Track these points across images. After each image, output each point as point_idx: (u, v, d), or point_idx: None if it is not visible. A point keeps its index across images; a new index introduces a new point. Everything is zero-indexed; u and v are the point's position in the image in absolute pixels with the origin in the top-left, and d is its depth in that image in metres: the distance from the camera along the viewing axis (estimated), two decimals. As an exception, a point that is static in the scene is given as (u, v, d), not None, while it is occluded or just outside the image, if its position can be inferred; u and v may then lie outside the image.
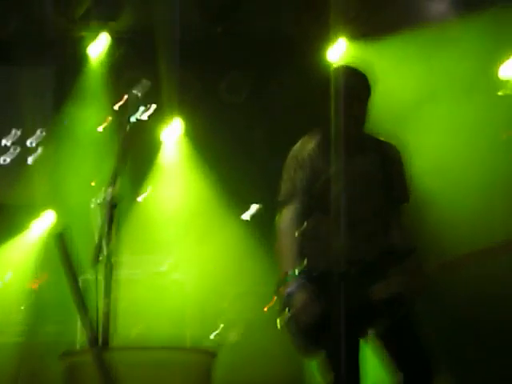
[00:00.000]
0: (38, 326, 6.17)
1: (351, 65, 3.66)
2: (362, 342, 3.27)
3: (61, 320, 6.10)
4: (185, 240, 6.53)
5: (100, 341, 2.67)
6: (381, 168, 3.42)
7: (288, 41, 6.87)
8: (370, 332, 3.27)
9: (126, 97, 2.93)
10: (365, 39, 6.49)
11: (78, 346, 5.55)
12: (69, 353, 2.92)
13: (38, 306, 6.35)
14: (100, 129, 7.01)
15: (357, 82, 3.40)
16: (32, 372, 5.85)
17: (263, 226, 5.50)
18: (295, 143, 3.49)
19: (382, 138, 3.52)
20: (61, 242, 2.43)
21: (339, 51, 6.70)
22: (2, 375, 5.80)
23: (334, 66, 3.92)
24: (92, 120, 7.25)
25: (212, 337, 6.07)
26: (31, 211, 7.13)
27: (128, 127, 2.94)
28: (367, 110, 3.40)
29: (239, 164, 6.82)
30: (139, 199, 6.92)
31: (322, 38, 6.59)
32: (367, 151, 3.44)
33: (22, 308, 6.35)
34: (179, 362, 2.30)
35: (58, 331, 6.11)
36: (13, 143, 7.53)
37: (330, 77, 3.36)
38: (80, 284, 2.40)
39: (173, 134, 7.35)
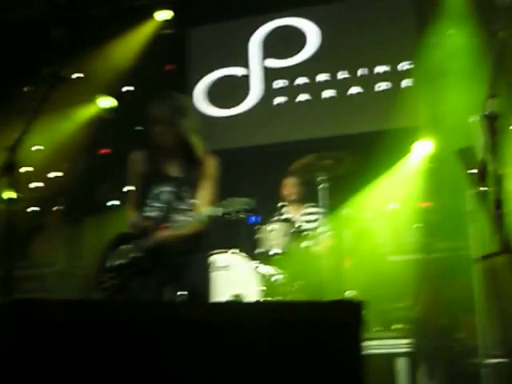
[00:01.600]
0: (432, 243, 6.36)
1: None
2: None
3: (452, 236, 6.22)
4: None
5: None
6: None
7: None
8: None
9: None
10: None
11: (472, 261, 5.62)
12: (487, 255, 3.04)
13: (430, 224, 6.56)
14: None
15: None
16: (431, 288, 6.07)
17: None
18: None
19: None
20: (463, 156, 2.55)
21: None
22: (404, 291, 6.11)
23: None
24: (459, 36, 7.13)
25: None
26: (411, 134, 7.34)
27: (501, 37, 2.89)
28: None
29: None
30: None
31: None
32: None
33: (416, 226, 6.62)
34: None
35: (451, 247, 6.24)
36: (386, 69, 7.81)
37: None
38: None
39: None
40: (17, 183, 3.52)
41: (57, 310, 2.00)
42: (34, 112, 3.68)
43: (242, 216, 3.79)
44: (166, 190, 4.10)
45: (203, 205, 4.05)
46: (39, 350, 1.93)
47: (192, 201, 4.08)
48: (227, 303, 4.12)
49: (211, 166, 4.18)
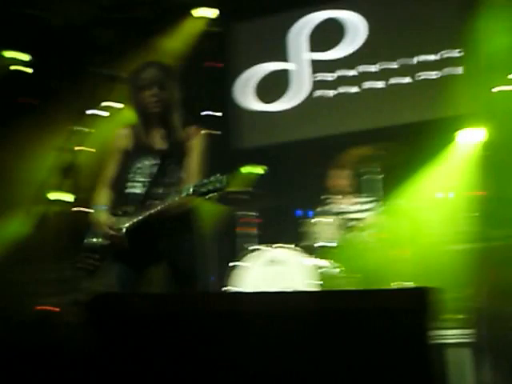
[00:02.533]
0: (489, 231, 6.27)
1: None
2: None
3: (510, 224, 6.14)
4: None
5: None
6: None
7: None
8: None
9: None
10: None
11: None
12: None
13: (486, 212, 6.47)
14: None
15: None
16: (490, 276, 5.98)
17: None
18: None
19: None
20: None
21: None
22: (463, 280, 6.03)
23: None
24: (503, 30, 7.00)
25: None
26: (461, 122, 7.24)
27: None
28: None
29: None
30: None
31: None
32: None
33: (471, 215, 6.53)
34: None
35: (509, 234, 6.15)
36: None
37: None
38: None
39: None
40: (74, 184, 3.55)
41: (138, 303, 2.03)
42: (89, 113, 3.69)
43: (214, 195, 3.51)
44: (149, 164, 3.89)
45: (189, 179, 3.80)
46: (123, 343, 1.96)
47: (178, 175, 3.85)
48: (292, 293, 4.03)
49: (197, 138, 3.95)
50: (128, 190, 3.87)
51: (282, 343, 2.20)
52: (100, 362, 1.97)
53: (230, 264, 5.99)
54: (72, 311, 2.21)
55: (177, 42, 8.35)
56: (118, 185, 3.94)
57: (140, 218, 3.73)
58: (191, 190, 3.56)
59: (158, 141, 3.94)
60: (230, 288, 5.84)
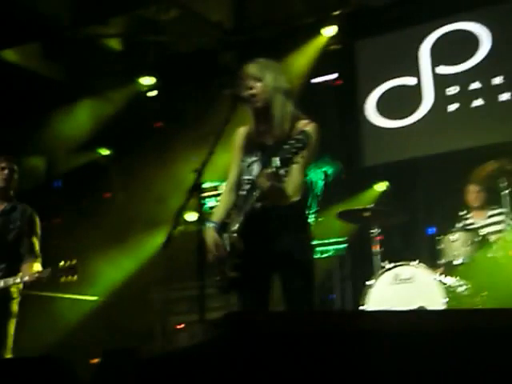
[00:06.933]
0: None
1: None
2: None
3: None
4: None
5: None
6: None
7: None
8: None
9: None
10: None
11: None
12: None
13: None
14: None
15: None
16: None
17: None
18: None
19: None
20: None
21: None
22: None
23: None
24: None
25: None
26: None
27: None
28: None
29: None
30: None
31: None
32: None
33: None
34: None
35: None
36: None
37: None
38: None
39: None
40: (201, 204, 3.60)
41: (271, 321, 2.01)
42: (218, 134, 3.70)
43: (300, 156, 3.25)
44: (255, 160, 3.67)
45: (292, 178, 3.49)
46: (256, 362, 1.95)
47: (283, 171, 3.35)
48: (425, 312, 3.85)
49: (309, 133, 3.45)
50: (240, 192, 3.72)
51: (415, 364, 2.14)
52: (230, 380, 1.96)
53: (366, 283, 5.93)
54: (203, 330, 2.23)
55: (301, 61, 8.39)
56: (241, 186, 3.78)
57: (239, 219, 3.56)
58: (278, 161, 3.25)
59: (264, 136, 3.72)
60: (363, 307, 5.79)
